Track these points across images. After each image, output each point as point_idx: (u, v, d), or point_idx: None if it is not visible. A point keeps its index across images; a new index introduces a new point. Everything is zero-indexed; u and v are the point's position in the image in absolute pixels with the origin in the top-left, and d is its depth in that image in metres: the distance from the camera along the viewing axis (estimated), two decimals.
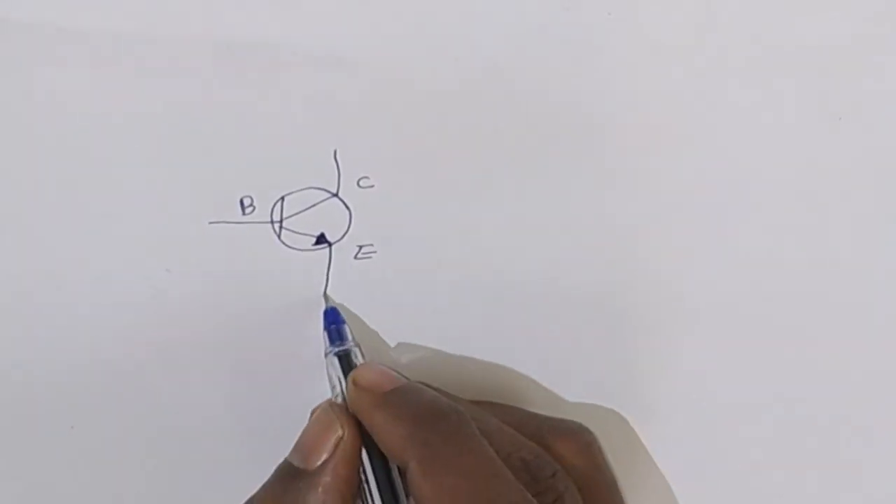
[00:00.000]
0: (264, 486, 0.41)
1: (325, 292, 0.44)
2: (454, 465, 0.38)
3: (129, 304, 0.44)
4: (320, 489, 0.40)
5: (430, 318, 0.46)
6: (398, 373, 0.42)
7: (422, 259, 0.44)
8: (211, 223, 0.42)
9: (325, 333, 0.44)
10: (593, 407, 0.47)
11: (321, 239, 0.43)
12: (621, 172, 0.43)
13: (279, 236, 0.43)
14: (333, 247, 0.43)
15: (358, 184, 0.42)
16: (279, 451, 0.41)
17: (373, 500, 0.40)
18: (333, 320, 0.44)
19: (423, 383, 0.42)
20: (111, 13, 0.39)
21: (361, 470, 0.41)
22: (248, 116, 0.41)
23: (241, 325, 0.44)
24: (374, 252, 0.44)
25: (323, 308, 0.44)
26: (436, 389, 0.42)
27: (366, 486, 0.41)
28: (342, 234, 0.43)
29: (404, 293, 0.45)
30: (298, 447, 0.41)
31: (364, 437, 0.41)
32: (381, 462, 0.41)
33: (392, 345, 0.46)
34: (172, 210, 0.42)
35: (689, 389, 0.47)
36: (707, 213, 0.44)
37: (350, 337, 0.44)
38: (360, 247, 0.44)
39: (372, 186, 0.42)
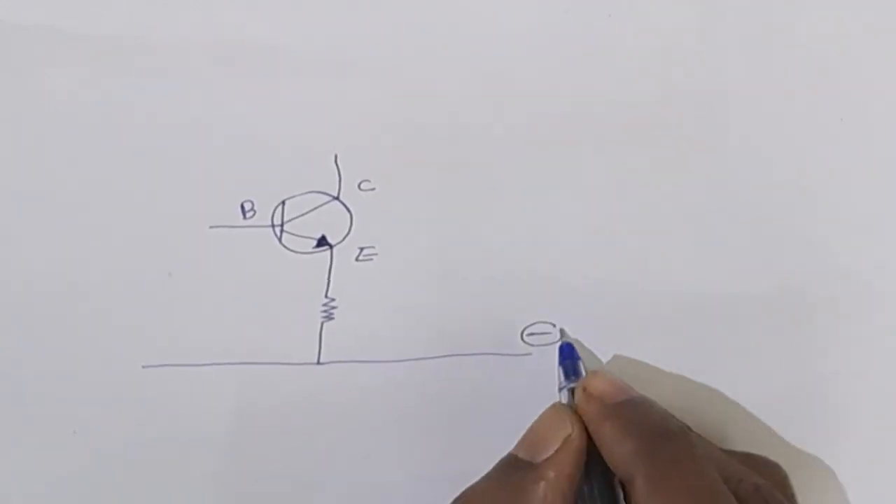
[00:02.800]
0: (486, 475, 0.41)
1: (560, 331, 0.45)
2: (682, 486, 0.39)
3: (132, 309, 0.44)
4: (543, 483, 0.40)
5: (431, 319, 0.46)
6: (628, 385, 0.42)
7: (422, 260, 0.44)
8: (212, 228, 0.42)
9: (561, 369, 0.44)
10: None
11: (322, 241, 0.43)
12: (621, 172, 0.43)
13: (280, 240, 0.43)
14: (334, 249, 0.43)
15: (359, 187, 0.42)
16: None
17: None
18: (569, 356, 0.44)
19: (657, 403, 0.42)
20: (112, 15, 0.39)
21: (592, 484, 0.41)
22: (248, 121, 0.40)
23: (244, 329, 0.44)
24: (376, 254, 0.44)
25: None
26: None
27: (585, 490, 0.41)
28: (343, 236, 0.43)
29: (405, 294, 0.45)
30: (526, 440, 0.41)
31: (588, 445, 0.41)
32: (601, 471, 0.41)
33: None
34: (174, 215, 0.42)
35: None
36: (706, 213, 0.44)
37: (583, 371, 0.44)
38: (362, 248, 0.44)
39: (373, 189, 0.42)
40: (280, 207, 0.42)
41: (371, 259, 0.44)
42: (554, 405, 0.42)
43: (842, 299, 0.46)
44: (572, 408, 0.42)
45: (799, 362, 0.47)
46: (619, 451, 0.40)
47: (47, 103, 0.40)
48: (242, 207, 0.42)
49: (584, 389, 0.41)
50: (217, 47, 0.39)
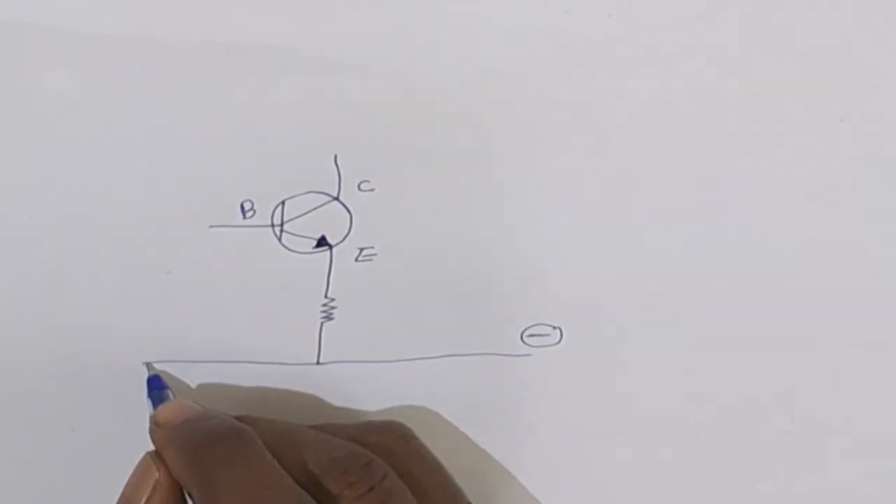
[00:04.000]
0: None
1: (146, 364, 0.44)
2: (228, 485, 0.39)
3: (130, 308, 0.44)
4: None
5: (431, 319, 0.46)
6: (199, 407, 0.42)
7: (422, 260, 0.44)
8: (211, 227, 0.42)
9: (149, 401, 0.43)
10: None
11: (322, 241, 0.43)
12: (621, 173, 0.43)
13: (280, 240, 0.43)
14: (334, 249, 0.43)
15: (358, 187, 0.42)
16: None
17: None
18: (157, 386, 0.44)
19: (237, 416, 0.42)
20: (111, 15, 0.38)
21: None
22: (248, 120, 0.40)
23: (243, 328, 0.44)
24: (375, 254, 0.44)
25: None
26: (246, 419, 0.42)
27: None
28: (343, 236, 0.43)
29: (405, 295, 0.45)
30: (122, 495, 0.41)
31: None
32: None
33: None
34: (173, 214, 0.42)
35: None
36: (706, 214, 0.44)
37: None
38: (361, 249, 0.44)
39: (372, 190, 0.42)
40: (280, 207, 0.42)
41: (371, 259, 0.44)
42: (144, 454, 0.42)
43: (842, 299, 0.46)
44: None
45: (799, 362, 0.47)
46: (179, 471, 0.40)
47: (47, 103, 0.40)
48: (242, 207, 0.42)
49: (154, 421, 0.42)
50: (217, 47, 0.39)
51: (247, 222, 0.42)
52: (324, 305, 0.45)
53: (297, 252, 0.43)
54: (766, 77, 0.41)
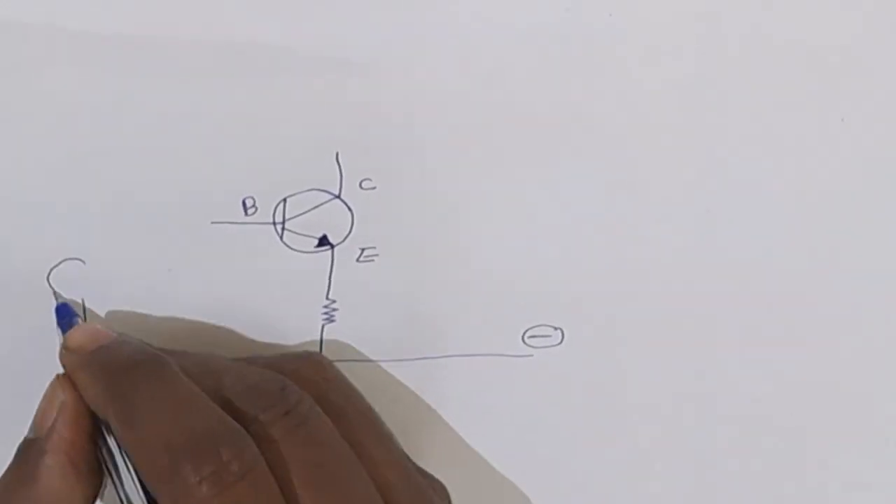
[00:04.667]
0: (7, 466, 0.41)
1: (54, 294, 0.44)
2: (147, 408, 0.38)
3: (131, 304, 0.44)
4: (46, 455, 0.40)
5: (432, 320, 0.46)
6: (112, 332, 0.42)
7: (423, 261, 0.44)
8: (213, 223, 0.42)
9: (59, 330, 0.43)
10: None
11: (323, 241, 0.43)
12: (622, 173, 0.43)
13: (281, 238, 0.43)
14: (335, 249, 0.43)
15: (360, 185, 0.42)
16: None
17: (108, 466, 0.40)
18: (66, 314, 0.43)
19: (139, 339, 0.42)
20: (111, 13, 0.38)
21: (103, 437, 0.40)
22: (249, 117, 0.40)
23: (243, 327, 0.44)
24: (377, 254, 0.44)
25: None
26: (172, 353, 0.42)
27: (104, 451, 0.40)
28: (344, 236, 0.43)
29: (406, 295, 0.45)
30: (33, 420, 0.41)
31: None
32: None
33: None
34: (175, 210, 0.42)
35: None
36: (707, 213, 0.44)
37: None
38: (363, 249, 0.44)
39: (374, 188, 0.42)
40: (281, 205, 0.42)
41: (372, 260, 0.44)
42: (52, 379, 0.41)
43: (842, 299, 0.46)
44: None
45: (800, 362, 0.47)
46: (92, 396, 0.40)
47: (47, 103, 0.40)
48: (244, 204, 0.42)
49: (65, 345, 0.41)
50: (217, 46, 0.39)
51: (248, 219, 0.42)
52: (325, 307, 0.45)
53: (299, 251, 0.43)
54: (766, 77, 0.41)
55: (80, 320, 0.43)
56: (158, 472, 0.38)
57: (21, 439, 0.41)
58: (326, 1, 0.39)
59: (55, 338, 0.42)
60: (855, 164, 0.43)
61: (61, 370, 0.41)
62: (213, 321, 0.43)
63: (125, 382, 0.39)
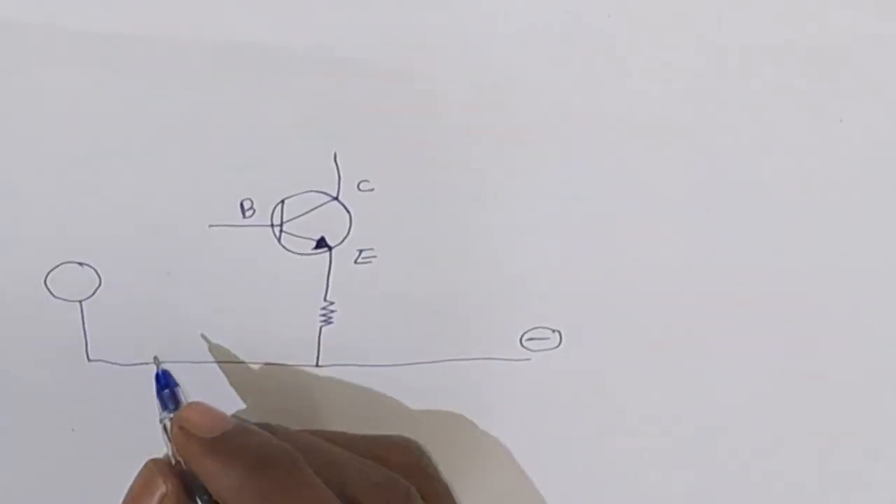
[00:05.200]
0: None
1: (154, 358, 0.44)
2: None
3: (130, 307, 0.44)
4: None
5: (429, 323, 0.46)
6: (225, 415, 0.42)
7: (421, 264, 0.44)
8: (211, 226, 0.42)
9: (159, 399, 0.43)
10: None
11: (321, 243, 0.43)
12: (622, 174, 0.43)
13: (279, 240, 0.43)
14: (333, 251, 0.43)
15: (358, 187, 0.42)
16: None
17: None
18: (167, 384, 0.43)
19: (258, 423, 0.42)
20: (111, 14, 0.38)
21: None
22: (248, 119, 0.40)
23: (242, 329, 0.44)
24: (374, 256, 0.44)
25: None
26: (268, 427, 0.42)
27: None
28: (342, 237, 0.43)
29: (404, 298, 0.45)
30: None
31: (198, 486, 0.41)
32: None
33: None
34: (173, 213, 0.42)
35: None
36: (706, 214, 0.44)
37: (183, 399, 0.43)
38: (361, 251, 0.44)
39: (372, 190, 0.42)
40: (279, 207, 0.42)
41: (370, 262, 0.44)
42: (147, 463, 0.41)
43: (842, 299, 0.46)
44: (165, 461, 0.41)
45: (800, 362, 0.47)
46: (223, 486, 0.40)
47: (47, 103, 0.40)
48: (242, 206, 0.42)
49: (180, 426, 0.41)
50: (217, 46, 0.39)
51: (246, 221, 0.42)
52: (323, 309, 0.45)
53: (297, 253, 0.43)
54: (766, 77, 0.41)
55: (180, 392, 0.43)
56: None
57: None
58: (326, 1, 0.39)
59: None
60: (853, 164, 0.43)
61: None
62: (211, 323, 0.43)
63: (263, 479, 0.39)
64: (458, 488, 0.45)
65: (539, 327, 0.46)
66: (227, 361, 0.45)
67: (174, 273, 0.43)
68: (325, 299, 0.44)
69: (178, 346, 0.44)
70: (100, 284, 0.43)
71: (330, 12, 0.39)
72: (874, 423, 0.49)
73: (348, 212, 0.43)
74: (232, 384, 0.45)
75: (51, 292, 0.43)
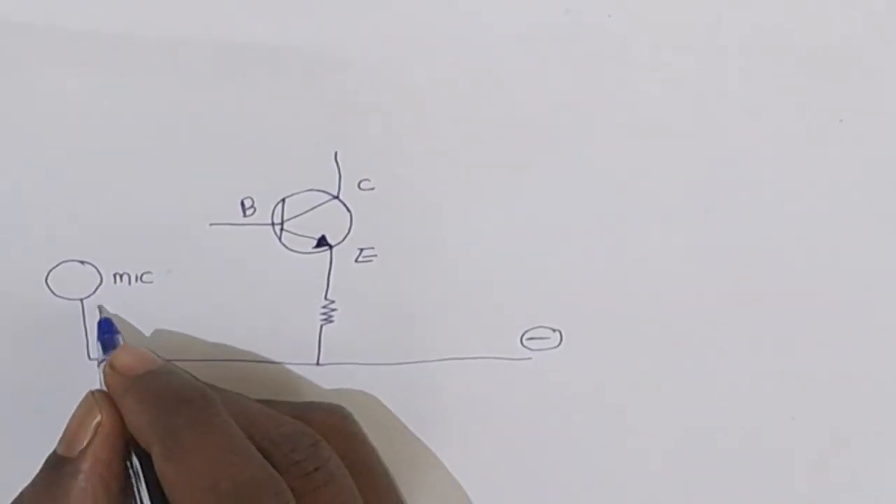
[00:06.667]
0: (33, 479, 0.41)
1: (99, 307, 0.44)
2: (195, 447, 0.39)
3: (129, 306, 0.44)
4: (80, 476, 0.40)
5: (430, 322, 0.46)
6: (158, 356, 0.42)
7: (422, 262, 0.44)
8: (212, 225, 0.42)
9: (99, 344, 0.43)
10: None
11: (322, 241, 0.43)
12: (622, 173, 0.43)
13: (280, 238, 0.43)
14: (334, 249, 0.43)
15: (359, 186, 0.42)
16: None
17: (139, 489, 0.40)
18: (108, 331, 0.43)
19: (184, 369, 0.43)
20: (111, 14, 0.38)
21: (131, 462, 0.40)
22: (248, 118, 0.40)
23: (242, 328, 0.44)
24: (375, 255, 0.44)
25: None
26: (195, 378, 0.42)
27: (132, 473, 0.40)
28: (343, 236, 0.43)
29: (405, 297, 0.45)
30: (63, 436, 0.41)
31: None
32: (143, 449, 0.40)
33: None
34: (173, 211, 0.42)
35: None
36: (706, 214, 0.44)
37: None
38: (361, 250, 0.44)
39: (373, 189, 0.42)
40: (280, 205, 0.42)
41: (370, 261, 0.44)
42: (87, 393, 0.41)
43: (842, 299, 0.46)
44: (104, 393, 0.41)
45: (800, 362, 0.47)
46: (137, 423, 0.40)
47: (47, 103, 0.40)
48: (242, 204, 0.42)
49: (110, 364, 0.41)
50: (217, 46, 0.39)
51: (247, 220, 0.42)
52: (323, 307, 0.45)
53: (298, 252, 0.43)
54: (766, 77, 0.41)
55: (120, 338, 0.43)
56: None
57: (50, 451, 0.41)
58: (326, 1, 0.39)
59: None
60: (854, 165, 0.43)
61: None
62: (212, 322, 0.43)
63: (175, 416, 0.40)
64: (456, 487, 0.45)
65: (539, 327, 0.46)
66: (227, 360, 0.45)
67: (175, 271, 0.43)
68: (325, 298, 0.44)
69: (179, 344, 0.44)
70: (101, 283, 0.43)
71: (330, 12, 0.39)
72: (875, 423, 0.49)
73: (349, 211, 0.43)
74: (232, 383, 0.45)
75: (52, 291, 0.43)
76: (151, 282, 0.43)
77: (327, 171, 0.42)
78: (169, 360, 0.42)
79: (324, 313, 0.45)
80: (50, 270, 0.43)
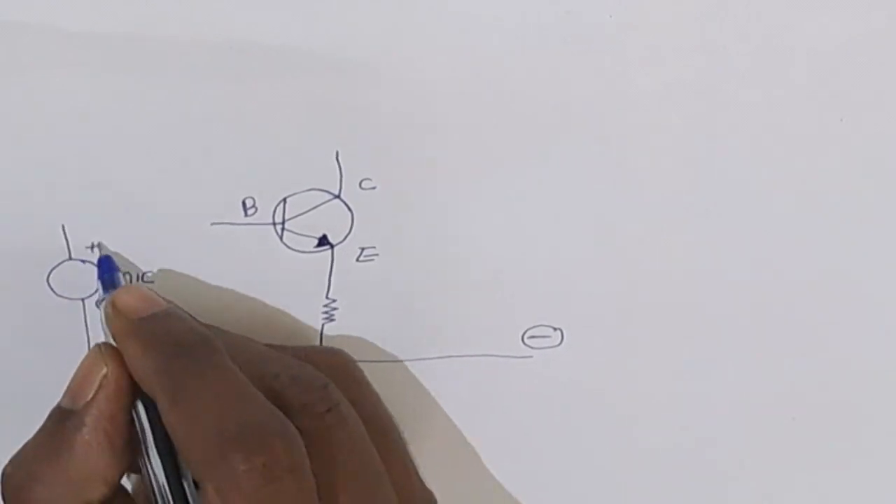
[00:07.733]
0: (37, 431, 0.40)
1: (96, 245, 0.43)
2: (199, 393, 0.38)
3: None
4: (85, 428, 0.39)
5: (431, 320, 0.46)
6: (164, 299, 0.41)
7: (423, 261, 0.44)
8: (213, 224, 0.42)
9: (99, 283, 0.42)
10: None
11: (323, 241, 0.43)
12: (622, 173, 0.43)
13: (281, 238, 0.43)
14: (335, 249, 0.43)
15: (360, 185, 0.42)
16: None
17: (145, 439, 0.40)
18: (108, 269, 0.42)
19: (187, 312, 0.42)
20: (111, 13, 0.38)
21: (136, 410, 0.40)
22: (249, 118, 0.40)
23: (243, 327, 0.44)
24: (376, 254, 0.44)
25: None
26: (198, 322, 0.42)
27: (137, 425, 0.40)
28: (344, 235, 0.43)
29: (406, 295, 0.45)
30: (68, 389, 0.40)
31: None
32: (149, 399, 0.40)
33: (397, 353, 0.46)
34: (175, 211, 0.42)
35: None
36: (706, 215, 0.44)
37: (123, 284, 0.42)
38: (363, 249, 0.44)
39: (374, 188, 0.42)
40: (281, 205, 0.42)
41: (372, 260, 0.44)
42: (93, 346, 0.41)
43: (842, 299, 0.46)
44: (110, 345, 0.41)
45: (800, 362, 0.47)
46: (140, 370, 0.39)
47: (47, 103, 0.40)
48: (244, 204, 0.42)
49: (112, 304, 0.41)
50: (217, 46, 0.39)
51: (248, 220, 0.42)
52: (325, 306, 0.45)
53: (299, 251, 0.43)
54: (766, 77, 0.41)
55: (121, 276, 0.42)
56: (205, 456, 0.38)
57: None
58: (326, 1, 0.39)
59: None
60: (854, 164, 0.43)
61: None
62: (213, 322, 0.43)
63: (180, 361, 0.39)
64: (457, 485, 0.45)
65: (541, 325, 0.46)
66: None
67: (176, 271, 0.43)
68: (327, 297, 0.45)
69: None
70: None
71: (330, 12, 0.39)
72: (875, 423, 0.49)
73: (350, 210, 0.43)
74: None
75: (53, 290, 0.43)
76: (152, 281, 0.43)
77: (328, 171, 0.42)
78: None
79: (325, 312, 0.45)
80: (50, 270, 0.43)
